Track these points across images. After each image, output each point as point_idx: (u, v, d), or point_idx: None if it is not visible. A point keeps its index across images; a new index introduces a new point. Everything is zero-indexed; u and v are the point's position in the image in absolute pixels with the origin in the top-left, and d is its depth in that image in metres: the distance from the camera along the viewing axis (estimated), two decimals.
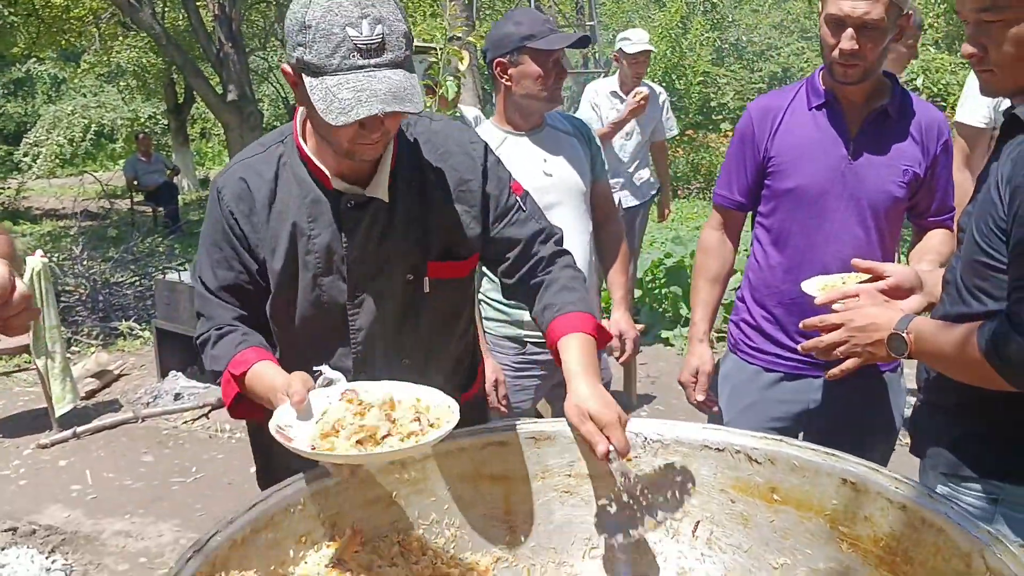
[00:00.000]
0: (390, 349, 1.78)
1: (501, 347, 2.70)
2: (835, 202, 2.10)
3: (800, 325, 1.75)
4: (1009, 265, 1.42)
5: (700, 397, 2.36)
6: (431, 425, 1.46)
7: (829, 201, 2.10)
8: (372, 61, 1.44)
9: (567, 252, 1.86)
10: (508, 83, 2.58)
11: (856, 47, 1.95)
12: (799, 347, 1.73)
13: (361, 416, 1.45)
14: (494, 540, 1.71)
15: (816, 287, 1.90)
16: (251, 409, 1.66)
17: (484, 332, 2.70)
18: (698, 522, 1.65)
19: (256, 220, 1.69)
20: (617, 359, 2.87)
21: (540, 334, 2.61)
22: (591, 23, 14.93)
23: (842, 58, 1.98)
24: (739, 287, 2.37)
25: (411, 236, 1.71)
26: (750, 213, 2.32)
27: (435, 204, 1.72)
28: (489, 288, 2.71)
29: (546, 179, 2.62)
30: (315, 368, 1.55)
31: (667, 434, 1.69)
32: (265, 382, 1.57)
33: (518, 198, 1.80)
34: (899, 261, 2.21)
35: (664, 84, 15.02)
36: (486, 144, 1.79)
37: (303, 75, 1.49)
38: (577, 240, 2.66)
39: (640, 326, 5.29)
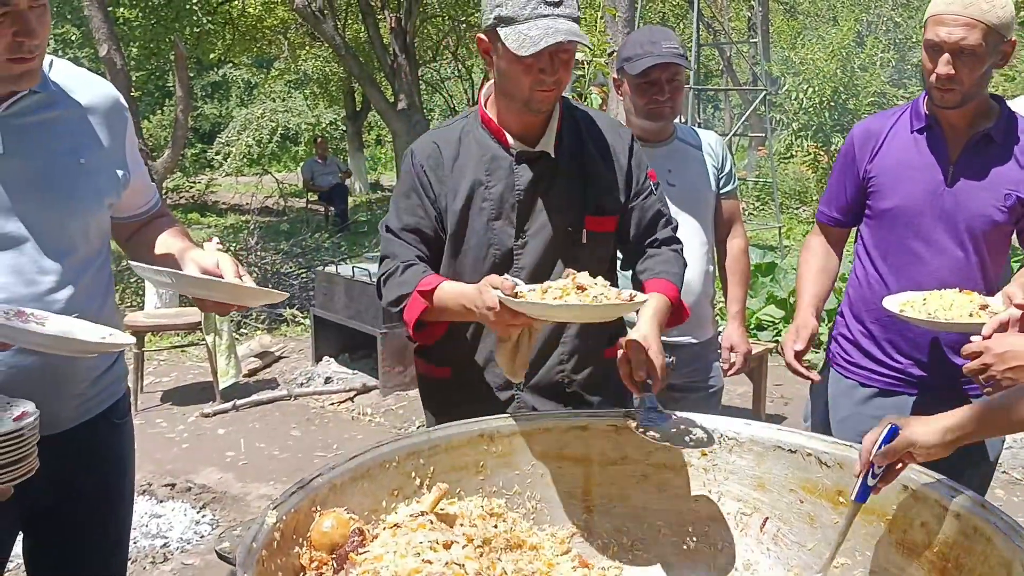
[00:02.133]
0: None
1: None
2: (932, 223, 2.09)
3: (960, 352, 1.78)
4: None
5: (799, 346, 2.24)
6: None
7: (925, 222, 2.09)
8: (556, 11, 1.80)
9: (679, 240, 2.10)
10: (621, 97, 2.77)
11: (952, 72, 1.95)
12: (964, 368, 1.76)
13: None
14: (571, 516, 1.84)
15: (897, 304, 1.91)
16: (432, 330, 1.93)
17: None
18: (767, 519, 1.71)
19: (441, 173, 1.99)
20: (725, 372, 2.93)
21: None
22: (755, 40, 14.66)
23: (939, 83, 1.98)
24: (840, 302, 2.39)
25: (571, 190, 2.00)
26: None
27: (591, 165, 2.01)
28: None
29: (669, 189, 2.71)
30: (507, 277, 1.77)
31: (743, 432, 1.77)
32: (456, 291, 1.82)
33: (651, 184, 2.07)
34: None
35: (832, 104, 14.52)
36: (632, 132, 2.10)
37: (498, 30, 1.82)
38: (695, 251, 2.73)
39: (768, 345, 5.23)
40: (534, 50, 1.77)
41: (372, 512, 1.63)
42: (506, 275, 1.75)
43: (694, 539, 1.77)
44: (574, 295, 1.64)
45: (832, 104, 14.42)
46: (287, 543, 1.42)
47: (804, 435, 1.71)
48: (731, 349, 2.93)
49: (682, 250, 2.10)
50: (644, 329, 1.82)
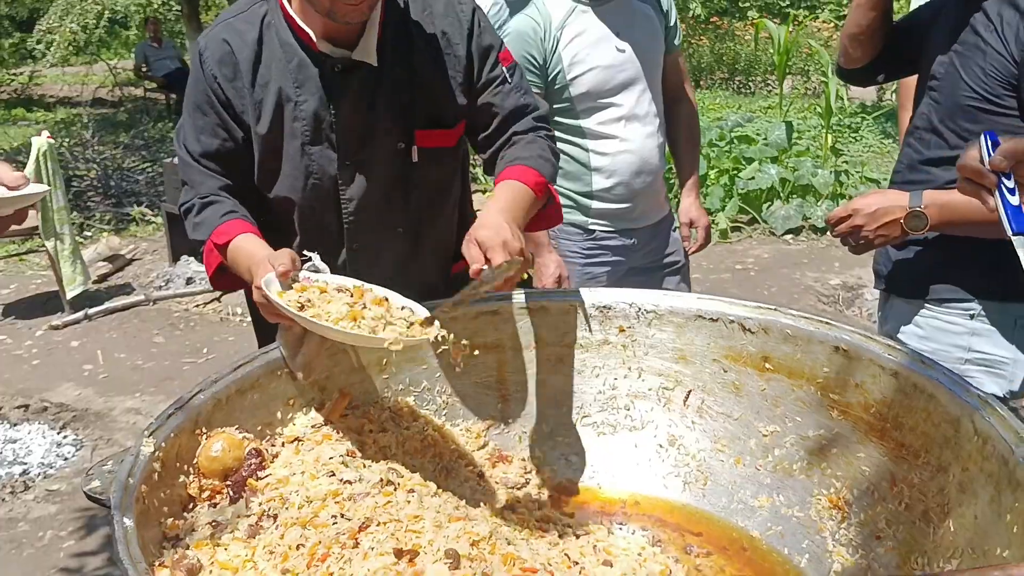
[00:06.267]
0: (381, 218, 1.73)
1: (568, 234, 2.48)
2: None
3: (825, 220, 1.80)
4: None
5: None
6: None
7: None
8: None
9: (546, 128, 1.73)
10: None
11: None
12: (833, 233, 1.76)
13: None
14: (486, 407, 1.71)
15: None
16: (233, 281, 1.61)
17: None
18: (690, 391, 1.63)
19: (240, 85, 1.60)
20: (687, 250, 2.65)
21: (607, 222, 2.45)
22: None
23: None
24: None
25: (399, 103, 1.63)
26: None
27: (421, 68, 1.63)
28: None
29: (619, 55, 2.35)
30: (305, 253, 1.47)
31: (662, 304, 1.66)
32: (246, 253, 1.50)
33: (504, 69, 1.69)
34: None
35: None
36: (476, 6, 1.68)
37: None
38: (648, 125, 2.42)
39: None
40: None
41: (267, 427, 1.44)
42: (309, 256, 1.43)
43: (617, 418, 1.68)
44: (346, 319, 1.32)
45: None
46: (170, 473, 1.22)
47: (725, 301, 1.61)
48: (691, 224, 2.63)
49: (552, 137, 1.74)
50: (479, 221, 1.44)
